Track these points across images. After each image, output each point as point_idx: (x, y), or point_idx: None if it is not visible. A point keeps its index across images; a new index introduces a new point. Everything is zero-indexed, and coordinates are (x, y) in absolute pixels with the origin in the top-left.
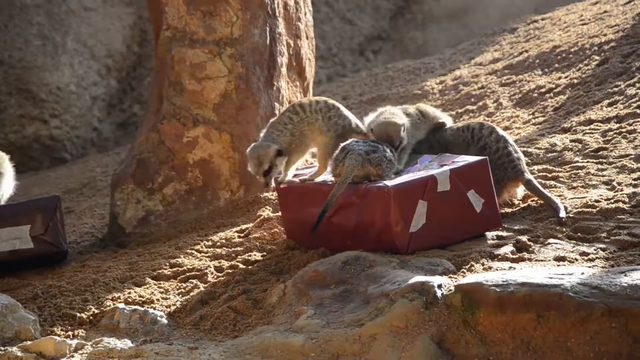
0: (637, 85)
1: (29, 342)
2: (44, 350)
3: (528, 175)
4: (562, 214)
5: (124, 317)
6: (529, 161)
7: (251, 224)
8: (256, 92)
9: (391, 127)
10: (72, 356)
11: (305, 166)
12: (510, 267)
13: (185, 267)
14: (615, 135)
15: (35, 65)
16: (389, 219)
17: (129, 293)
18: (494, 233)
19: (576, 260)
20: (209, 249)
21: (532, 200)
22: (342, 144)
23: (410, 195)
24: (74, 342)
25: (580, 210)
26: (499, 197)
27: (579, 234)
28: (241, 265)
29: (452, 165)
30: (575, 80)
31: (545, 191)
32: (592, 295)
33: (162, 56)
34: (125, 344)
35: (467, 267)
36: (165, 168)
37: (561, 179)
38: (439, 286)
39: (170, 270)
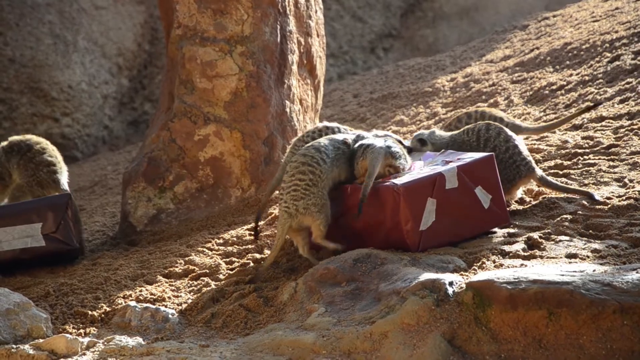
0: None
1: (41, 340)
2: (56, 348)
3: (539, 171)
4: (597, 196)
5: (136, 315)
6: (540, 158)
7: (262, 222)
8: (267, 90)
9: None
10: (84, 354)
11: None
12: (522, 265)
13: (196, 265)
14: (627, 132)
15: (46, 64)
16: (398, 217)
17: (141, 291)
18: (505, 230)
19: (588, 257)
20: (220, 247)
21: (543, 197)
22: (358, 143)
23: (419, 193)
24: (86, 340)
25: (591, 207)
26: (509, 196)
27: (590, 231)
28: (252, 263)
29: (458, 162)
30: (587, 77)
31: (558, 182)
32: (604, 293)
33: (173, 54)
34: (136, 341)
35: (478, 264)
36: (176, 166)
37: (572, 176)
38: (450, 283)
39: (182, 268)
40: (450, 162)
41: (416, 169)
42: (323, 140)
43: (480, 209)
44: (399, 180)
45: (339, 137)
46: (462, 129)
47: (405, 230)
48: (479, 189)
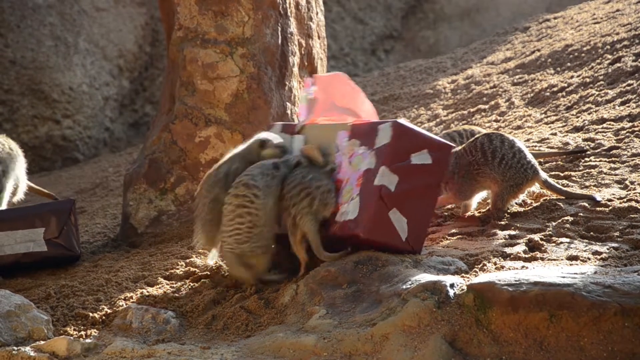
0: None
1: (42, 342)
2: (57, 350)
3: (543, 174)
4: (598, 197)
5: (137, 317)
6: (541, 160)
7: None
8: (268, 92)
9: None
10: (85, 356)
11: None
12: (523, 267)
13: (197, 267)
14: (628, 134)
15: (47, 66)
16: (380, 245)
17: (142, 293)
18: (506, 232)
19: (589, 259)
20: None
21: (544, 199)
22: (288, 180)
23: (378, 219)
24: (87, 341)
25: (592, 209)
26: (513, 199)
27: (591, 233)
28: None
29: (379, 155)
30: (588, 79)
31: (561, 186)
32: (605, 295)
33: (174, 56)
34: (137, 343)
35: (479, 266)
36: (177, 168)
37: (574, 178)
38: (452, 285)
39: (183, 270)
40: (369, 147)
41: (345, 172)
42: (253, 170)
43: (429, 168)
44: (352, 222)
45: (267, 163)
46: (462, 147)
47: (394, 247)
48: (414, 157)
